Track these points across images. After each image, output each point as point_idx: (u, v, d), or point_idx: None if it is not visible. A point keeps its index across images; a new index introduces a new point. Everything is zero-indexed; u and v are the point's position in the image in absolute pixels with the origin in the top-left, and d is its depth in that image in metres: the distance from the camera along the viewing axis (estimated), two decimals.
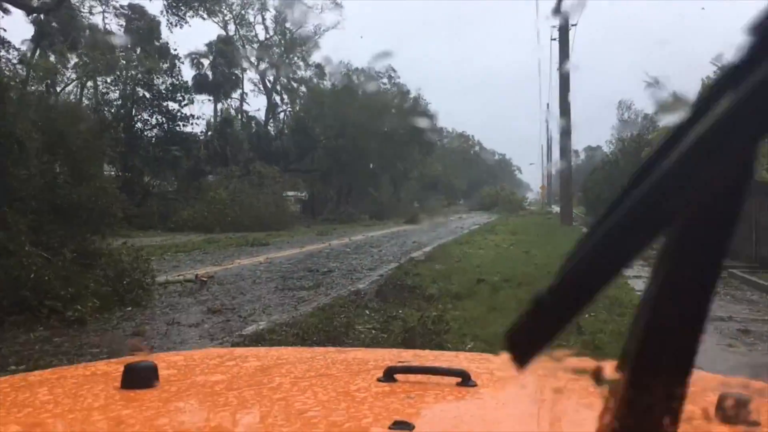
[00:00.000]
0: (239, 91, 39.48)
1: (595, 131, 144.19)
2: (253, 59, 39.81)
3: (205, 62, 39.60)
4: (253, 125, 37.87)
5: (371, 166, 43.64)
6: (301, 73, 41.43)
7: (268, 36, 39.95)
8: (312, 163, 43.69)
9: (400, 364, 1.24)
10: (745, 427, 0.82)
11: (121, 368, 1.13)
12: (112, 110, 30.73)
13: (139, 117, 31.17)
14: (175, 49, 31.60)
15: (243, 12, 39.58)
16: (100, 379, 1.24)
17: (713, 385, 1.02)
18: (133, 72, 29.99)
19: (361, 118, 40.07)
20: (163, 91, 30.94)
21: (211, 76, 39.72)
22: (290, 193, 55.36)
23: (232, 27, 39.85)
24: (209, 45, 39.66)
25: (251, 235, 21.70)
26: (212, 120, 39.46)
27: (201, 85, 39.33)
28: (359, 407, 1.03)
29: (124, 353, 2.99)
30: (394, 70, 48.86)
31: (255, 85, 39.99)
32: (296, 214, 46.07)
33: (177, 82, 31.09)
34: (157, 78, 31.02)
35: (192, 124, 31.49)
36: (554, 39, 33.31)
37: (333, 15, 54.69)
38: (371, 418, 0.97)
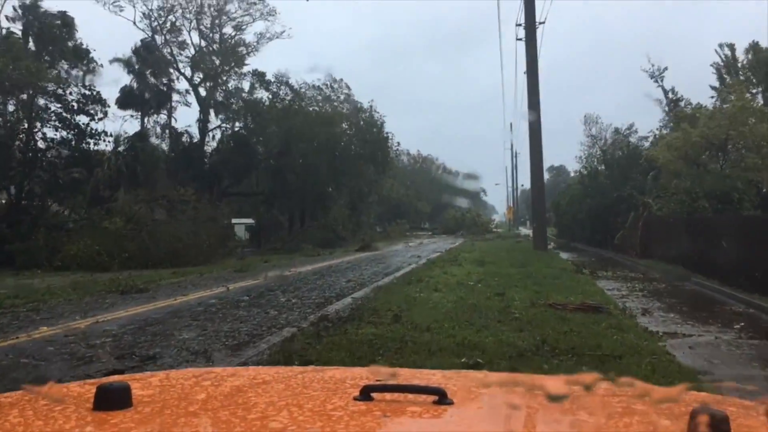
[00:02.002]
0: (168, 105, 34.11)
1: (558, 151, 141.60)
2: (184, 69, 34.57)
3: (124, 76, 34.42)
4: (183, 142, 32.56)
5: (327, 188, 38.49)
6: (238, 83, 36.32)
7: (202, 44, 34.87)
8: (257, 185, 38.51)
9: (376, 383, 1.20)
10: None
11: (94, 389, 1.09)
12: (8, 125, 25.29)
13: (41, 133, 25.90)
14: (94, 50, 26.33)
15: (171, 16, 34.36)
16: (72, 401, 1.17)
17: (687, 400, 1.04)
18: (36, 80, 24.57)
19: (309, 134, 35.16)
20: (73, 103, 25.71)
21: (136, 87, 34.50)
22: (239, 221, 50.28)
23: (160, 34, 34.45)
24: (136, 51, 34.46)
25: (146, 275, 16.55)
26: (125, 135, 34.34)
27: (126, 98, 34.11)
28: (335, 426, 1.00)
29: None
30: (349, 87, 43.97)
31: (183, 97, 34.63)
32: (242, 243, 40.98)
33: (90, 93, 25.83)
34: (67, 88, 25.81)
35: (105, 141, 26.31)
36: (520, 39, 29.00)
37: (276, 24, 49.57)
38: None
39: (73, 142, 24.62)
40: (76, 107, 23.82)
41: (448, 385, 1.21)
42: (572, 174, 54.52)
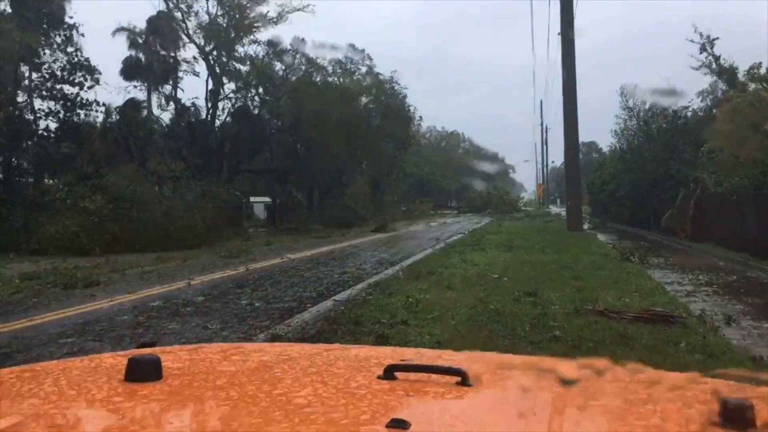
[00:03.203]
0: (174, 75, 31.59)
1: (589, 127, 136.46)
2: (196, 38, 31.86)
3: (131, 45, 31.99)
4: (189, 114, 30.09)
5: (343, 164, 35.80)
6: (253, 52, 33.52)
7: (217, 12, 32.08)
8: (271, 161, 35.96)
9: (400, 362, 1.21)
10: None
11: (125, 361, 1.10)
12: None
13: (28, 104, 23.70)
14: (71, 17, 23.88)
15: None
16: (105, 372, 1.19)
17: (712, 389, 1.02)
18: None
19: (324, 106, 32.43)
20: (57, 72, 23.42)
21: (143, 59, 32.06)
22: (258, 199, 48.13)
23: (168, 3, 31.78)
24: (150, 20, 31.92)
25: (125, 261, 14.23)
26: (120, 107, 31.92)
27: (131, 69, 31.72)
28: (358, 404, 1.00)
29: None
30: (371, 58, 40.87)
31: (191, 66, 32.01)
32: (258, 222, 38.83)
33: (75, 60, 23.47)
34: (48, 54, 23.52)
35: (97, 111, 23.95)
36: None
37: None
38: (369, 415, 0.95)
39: (61, 114, 22.30)
40: (59, 76, 21.41)
41: (471, 366, 1.17)
42: (605, 150, 50.75)
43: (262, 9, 32.12)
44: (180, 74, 31.85)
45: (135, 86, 31.47)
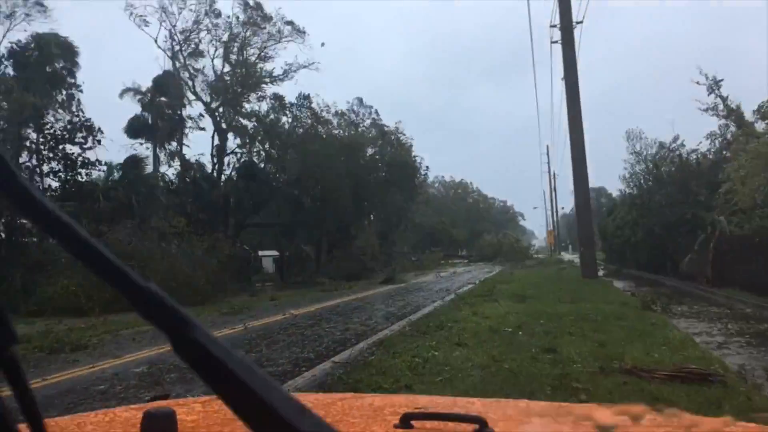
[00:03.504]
0: (180, 132, 31.53)
1: (597, 172, 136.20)
2: (203, 95, 31.94)
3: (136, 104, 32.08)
4: (195, 169, 29.85)
5: (350, 216, 35.27)
6: (258, 108, 33.54)
7: (223, 70, 32.26)
8: (278, 215, 35.51)
9: (416, 411, 1.18)
10: None
11: (140, 415, 1.08)
12: None
13: (29, 165, 23.51)
14: (73, 78, 23.92)
15: (193, 38, 31.85)
16: (120, 426, 1.20)
17: (686, 425, 1.03)
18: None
19: (330, 159, 32.19)
20: (59, 132, 23.28)
21: (149, 118, 32.07)
22: (266, 253, 47.48)
23: (179, 59, 32.02)
24: (156, 80, 32.07)
25: (122, 321, 13.57)
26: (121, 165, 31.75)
27: (136, 127, 31.69)
28: None
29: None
30: (377, 113, 40.88)
31: (195, 122, 31.98)
32: (267, 276, 38.19)
33: (77, 120, 23.38)
34: (52, 115, 23.47)
35: (99, 170, 23.73)
36: (555, 42, 25.69)
37: (305, 52, 46.99)
38: None
39: (62, 173, 22.03)
40: (61, 135, 21.24)
41: (488, 413, 1.14)
42: (614, 195, 49.93)
43: (269, 66, 32.37)
44: (186, 131, 31.78)
45: (141, 143, 31.47)
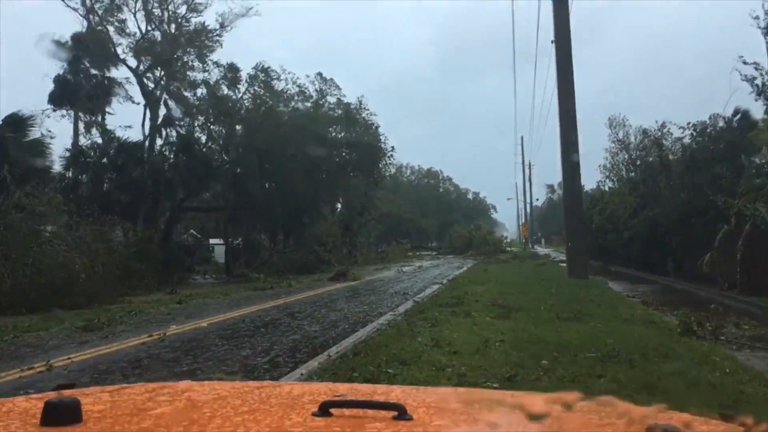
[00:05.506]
0: (103, 99, 26.37)
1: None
2: (127, 57, 26.84)
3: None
4: (118, 143, 24.82)
5: (304, 202, 30.48)
6: (200, 76, 28.52)
7: (149, 27, 27.19)
8: (222, 198, 30.61)
9: (335, 398, 1.18)
10: None
11: (41, 405, 1.01)
12: None
13: None
14: None
15: None
16: (18, 416, 1.09)
17: (639, 417, 0.97)
18: None
19: (283, 137, 27.44)
20: None
21: (71, 78, 26.86)
22: (218, 241, 42.72)
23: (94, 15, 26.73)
24: (74, 37, 26.81)
25: None
26: (72, 140, 26.60)
27: (62, 91, 26.50)
28: None
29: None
30: (339, 88, 35.99)
31: (123, 89, 26.91)
32: (208, 269, 33.45)
33: None
34: None
35: None
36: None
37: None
38: None
39: None
40: None
41: (407, 401, 1.15)
42: (588, 190, 45.54)
43: (201, 19, 27.21)
44: (110, 98, 26.69)
45: (63, 115, 26.37)
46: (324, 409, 1.05)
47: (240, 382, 1.59)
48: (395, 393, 1.35)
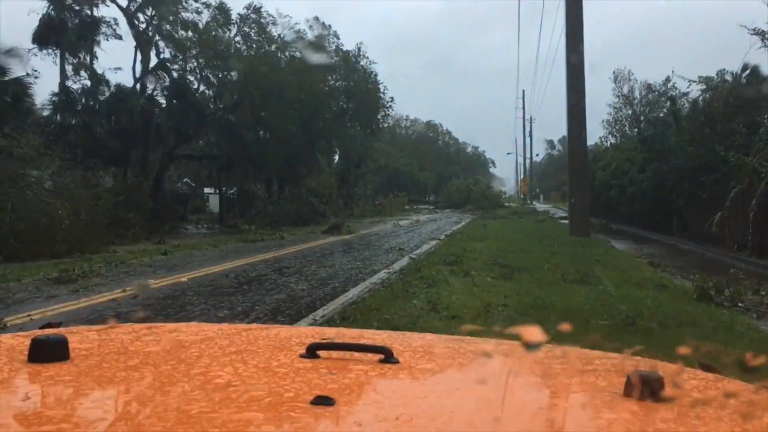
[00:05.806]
0: (90, 39, 25.10)
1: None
2: None
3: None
4: (106, 87, 23.76)
5: (299, 151, 29.53)
6: (192, 17, 27.16)
7: None
8: (217, 146, 29.65)
9: (322, 341, 1.17)
10: (654, 403, 0.82)
11: (28, 341, 1.02)
12: None
13: None
14: None
15: None
16: (4, 353, 1.08)
17: (623, 364, 0.99)
18: None
19: (279, 84, 26.32)
20: None
21: (57, 18, 25.53)
22: (208, 190, 42.10)
23: None
24: None
25: None
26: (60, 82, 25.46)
27: (47, 30, 25.21)
28: (280, 382, 0.94)
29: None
30: (338, 37, 34.47)
31: (110, 28, 25.59)
32: (211, 216, 32.93)
33: None
34: None
35: None
36: None
37: None
38: (293, 393, 0.89)
39: None
40: None
41: (394, 345, 1.14)
42: (591, 146, 44.47)
43: None
44: (99, 38, 25.44)
45: (48, 54, 25.14)
46: (311, 351, 1.04)
47: (227, 324, 1.55)
48: (382, 337, 1.35)
